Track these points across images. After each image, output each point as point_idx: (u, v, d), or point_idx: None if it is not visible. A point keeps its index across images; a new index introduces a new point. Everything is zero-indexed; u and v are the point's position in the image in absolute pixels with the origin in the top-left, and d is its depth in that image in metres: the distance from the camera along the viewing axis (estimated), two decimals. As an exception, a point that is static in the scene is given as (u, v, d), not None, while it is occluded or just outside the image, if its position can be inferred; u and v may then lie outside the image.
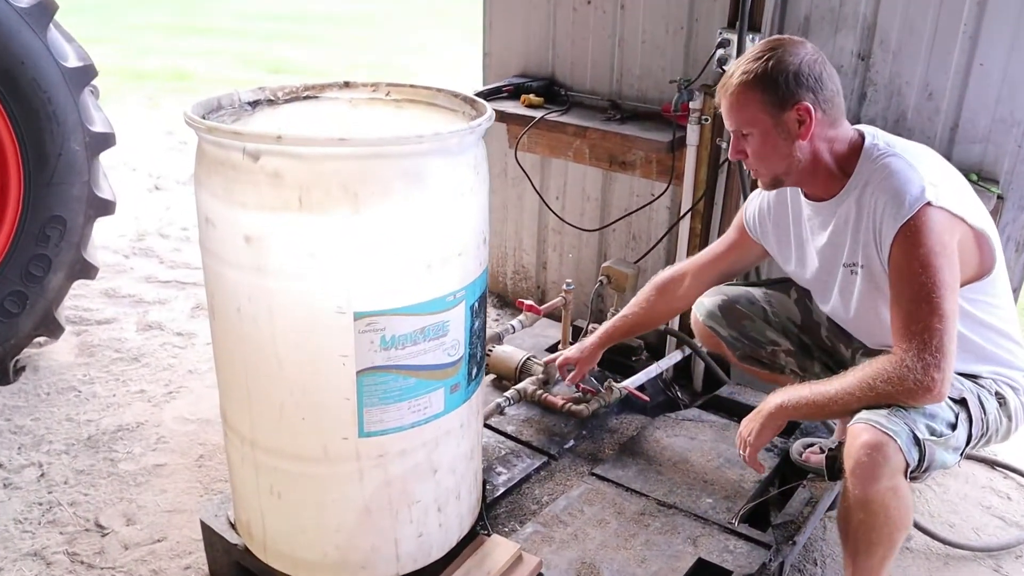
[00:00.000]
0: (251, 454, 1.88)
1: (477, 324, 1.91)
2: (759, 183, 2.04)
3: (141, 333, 3.60)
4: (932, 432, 1.79)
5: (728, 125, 1.96)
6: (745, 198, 2.78)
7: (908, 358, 1.74)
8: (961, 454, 1.88)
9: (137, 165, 6.11)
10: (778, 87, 1.84)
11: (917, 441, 1.75)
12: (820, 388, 1.87)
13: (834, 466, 1.90)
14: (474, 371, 1.95)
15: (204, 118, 1.78)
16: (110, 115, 3.21)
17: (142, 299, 3.94)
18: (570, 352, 2.56)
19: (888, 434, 1.72)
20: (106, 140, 3.07)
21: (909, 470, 1.75)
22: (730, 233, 2.37)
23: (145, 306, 3.87)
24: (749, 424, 2.00)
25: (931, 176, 1.81)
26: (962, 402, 1.88)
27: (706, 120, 2.78)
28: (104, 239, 4.48)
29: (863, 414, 1.79)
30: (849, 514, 1.81)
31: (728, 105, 1.92)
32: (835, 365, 2.25)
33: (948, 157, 2.52)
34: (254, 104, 1.98)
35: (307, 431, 1.78)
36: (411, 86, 2.05)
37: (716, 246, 2.41)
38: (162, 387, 3.18)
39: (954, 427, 1.83)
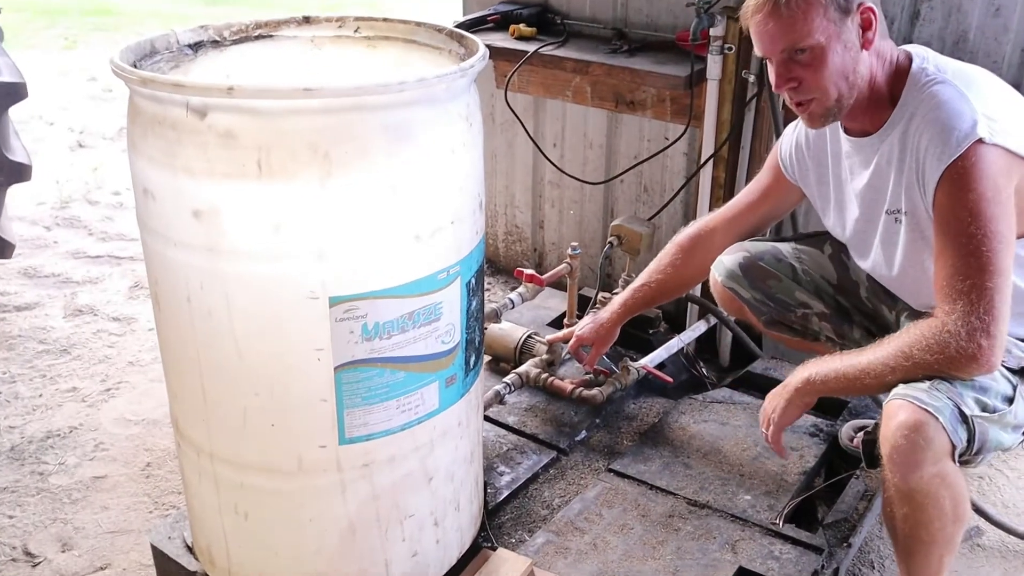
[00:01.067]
0: (210, 467, 1.83)
1: (475, 304, 1.86)
2: (806, 119, 1.94)
3: (70, 319, 3.53)
4: (983, 407, 1.76)
5: (775, 47, 1.84)
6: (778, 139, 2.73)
7: (951, 322, 1.71)
8: None
9: (55, 119, 6.00)
10: None
11: (964, 418, 1.73)
12: (852, 359, 1.85)
13: (872, 451, 1.87)
14: (472, 359, 1.90)
15: (136, 66, 1.72)
16: (18, 60, 3.10)
17: (69, 278, 3.87)
18: (583, 330, 2.51)
19: (928, 411, 1.70)
20: (16, 91, 2.98)
21: (957, 452, 1.73)
22: (763, 176, 2.33)
23: (73, 287, 3.80)
24: (773, 400, 1.99)
25: (986, 107, 1.76)
26: (1021, 372, 1.86)
27: (730, 49, 2.71)
28: (20, 209, 4.41)
29: (900, 389, 1.76)
30: (892, 508, 1.79)
31: (781, 16, 1.80)
32: (877, 330, 2.22)
33: (1018, 84, 2.47)
34: (196, 47, 1.91)
35: (277, 439, 1.73)
36: (384, 20, 1.99)
37: (747, 193, 2.37)
38: (98, 383, 3.12)
39: (1011, 401, 1.81)
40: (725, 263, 2.36)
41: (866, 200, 2.01)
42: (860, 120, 1.96)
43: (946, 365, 1.73)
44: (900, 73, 1.88)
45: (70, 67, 7.33)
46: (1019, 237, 1.79)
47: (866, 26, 1.81)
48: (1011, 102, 1.86)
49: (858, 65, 1.84)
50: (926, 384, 1.75)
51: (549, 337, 2.73)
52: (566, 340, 2.65)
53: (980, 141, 1.71)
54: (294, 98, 1.47)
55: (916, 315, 2.00)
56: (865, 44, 1.83)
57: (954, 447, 1.72)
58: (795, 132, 2.20)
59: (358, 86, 1.51)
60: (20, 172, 3.04)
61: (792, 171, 2.22)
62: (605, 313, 2.50)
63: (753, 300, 2.34)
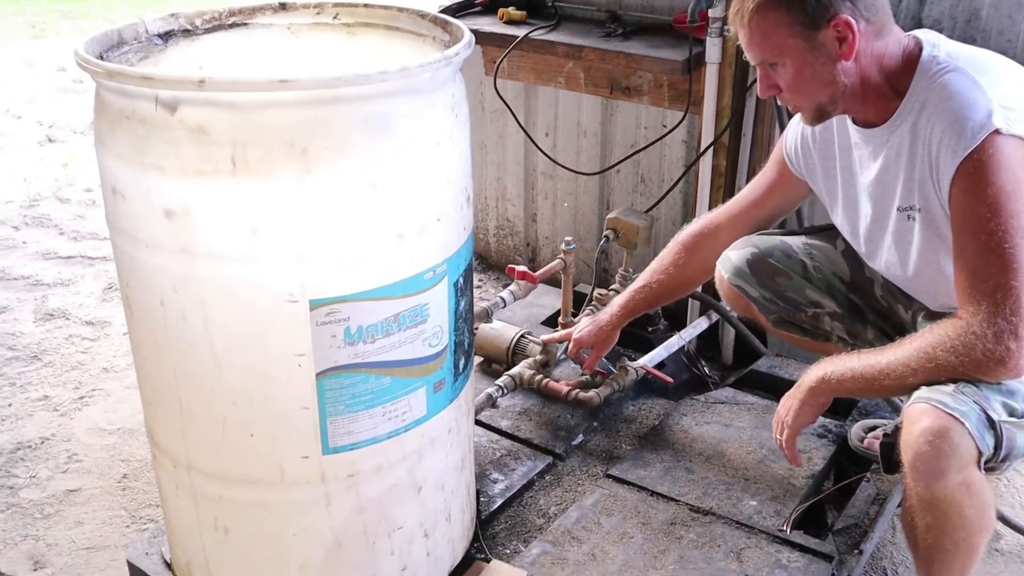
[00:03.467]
0: (188, 480, 1.83)
1: (463, 304, 1.85)
2: (801, 117, 2.01)
3: (40, 324, 3.52)
4: (1011, 412, 1.75)
5: (751, 59, 1.92)
6: (781, 126, 2.72)
7: (976, 323, 1.70)
8: None
9: (22, 112, 5.98)
10: (806, 1, 1.79)
11: (991, 424, 1.72)
12: (871, 359, 1.85)
13: (891, 456, 1.86)
14: (461, 362, 1.90)
15: (102, 57, 1.73)
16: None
17: (40, 280, 3.86)
18: (582, 333, 2.51)
19: (954, 416, 1.69)
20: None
21: (983, 459, 1.72)
22: (768, 171, 2.33)
23: (44, 289, 3.79)
24: (787, 401, 1.99)
25: (1001, 95, 1.75)
26: None
27: (729, 31, 2.70)
28: (-14, 208, 4.39)
29: (923, 392, 1.75)
30: (914, 516, 1.79)
31: (748, 35, 1.88)
32: (892, 330, 2.22)
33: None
34: (166, 36, 1.90)
35: (258, 450, 1.73)
36: (365, 6, 1.99)
37: (753, 189, 2.36)
38: (71, 391, 3.10)
39: None
40: (732, 259, 2.35)
41: (875, 196, 2.01)
42: (864, 112, 1.96)
43: (972, 368, 1.72)
44: (910, 61, 1.87)
45: (38, 57, 7.30)
46: None
47: (841, 38, 1.80)
48: None
49: (837, 76, 1.85)
50: (951, 387, 1.73)
51: (544, 337, 2.73)
52: (562, 341, 2.64)
53: (997, 132, 1.70)
54: (270, 90, 1.46)
55: (933, 315, 2.00)
56: (843, 55, 1.82)
57: (980, 454, 1.70)
58: (799, 124, 2.19)
59: (337, 77, 1.50)
60: (-15, 170, 3.02)
61: (798, 165, 2.21)
62: (605, 315, 2.49)
63: (761, 298, 2.33)
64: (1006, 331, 1.68)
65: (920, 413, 1.72)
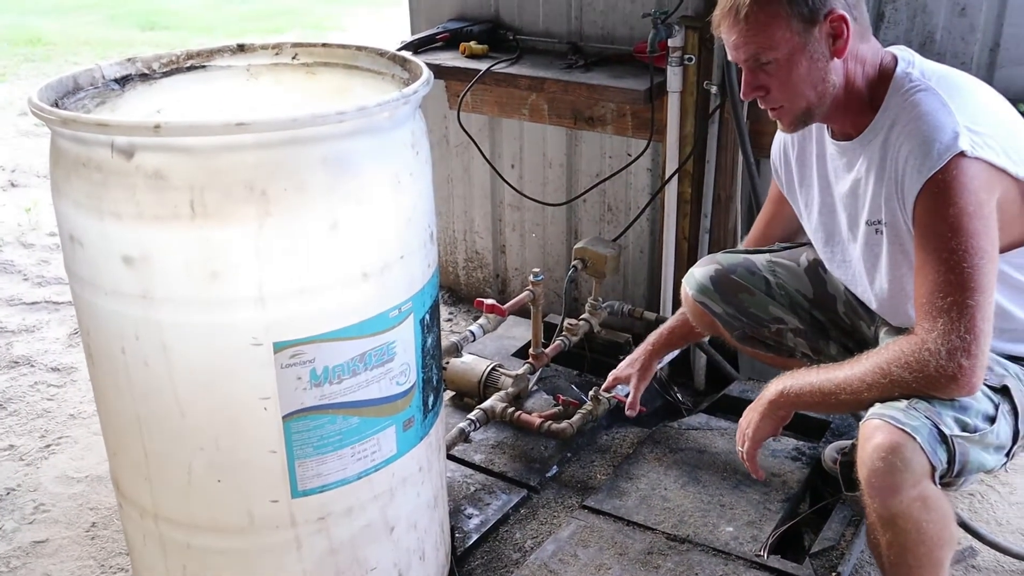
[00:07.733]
0: (155, 529, 1.81)
1: (430, 341, 1.84)
2: (780, 124, 1.99)
3: (5, 372, 3.47)
4: (963, 427, 1.77)
5: (739, 56, 1.90)
6: (744, 153, 2.75)
7: (931, 340, 1.72)
8: (1008, 453, 1.86)
9: (-16, 157, 5.92)
10: None
11: (943, 438, 1.73)
12: (829, 374, 1.87)
13: (851, 474, 1.87)
14: (431, 399, 1.89)
15: (57, 104, 1.72)
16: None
17: (3, 327, 3.80)
18: (618, 369, 2.60)
19: (906, 431, 1.70)
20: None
21: (937, 474, 1.73)
22: (769, 199, 2.41)
23: (8, 336, 3.73)
24: (748, 415, 2.02)
25: (970, 118, 1.77)
26: (1004, 390, 1.86)
27: (690, 60, 2.73)
28: (-52, 255, 4.32)
29: (876, 409, 1.77)
30: (876, 534, 1.80)
31: (742, 29, 1.86)
32: (855, 346, 2.23)
33: (988, 85, 2.50)
34: (123, 81, 1.89)
35: (225, 496, 1.72)
36: (323, 45, 1.99)
37: (757, 222, 2.46)
38: (37, 439, 3.05)
39: (993, 420, 1.81)
40: (696, 276, 2.38)
41: (848, 207, 2.03)
42: (841, 123, 1.98)
43: (925, 384, 1.74)
44: (884, 76, 1.89)
45: (0, 101, 7.24)
46: (1002, 252, 1.80)
47: (836, 34, 1.82)
48: (997, 112, 1.86)
49: (828, 74, 1.86)
50: (903, 403, 1.75)
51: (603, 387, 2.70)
52: (608, 389, 2.66)
53: (962, 154, 1.72)
54: (227, 134, 1.46)
55: (896, 331, 2.02)
56: (836, 52, 1.83)
57: (934, 468, 1.72)
58: (781, 134, 2.22)
59: (294, 118, 1.50)
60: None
61: (779, 173, 2.25)
62: (639, 349, 2.59)
63: (725, 315, 2.35)
64: (959, 349, 1.70)
65: (873, 430, 1.74)
